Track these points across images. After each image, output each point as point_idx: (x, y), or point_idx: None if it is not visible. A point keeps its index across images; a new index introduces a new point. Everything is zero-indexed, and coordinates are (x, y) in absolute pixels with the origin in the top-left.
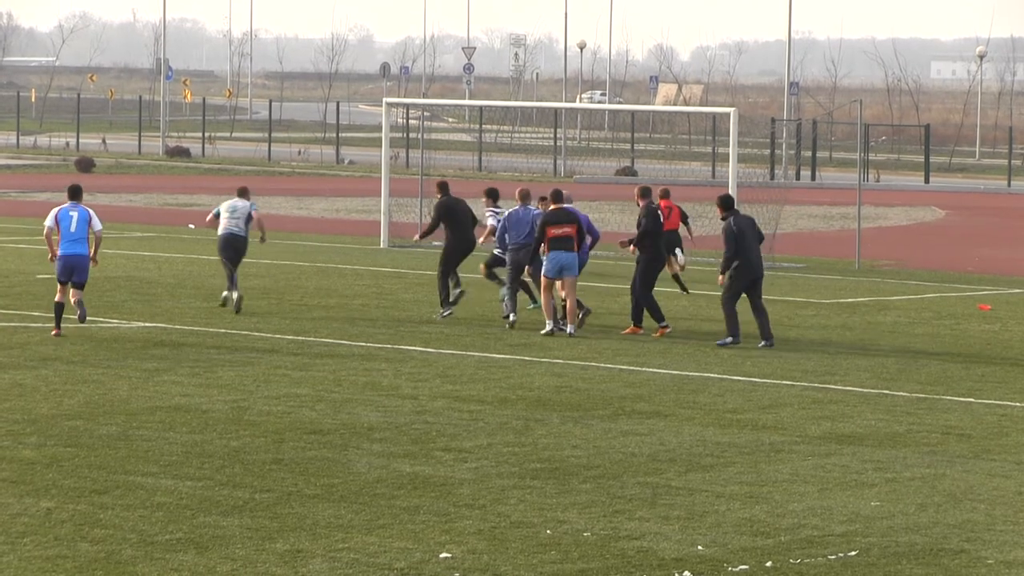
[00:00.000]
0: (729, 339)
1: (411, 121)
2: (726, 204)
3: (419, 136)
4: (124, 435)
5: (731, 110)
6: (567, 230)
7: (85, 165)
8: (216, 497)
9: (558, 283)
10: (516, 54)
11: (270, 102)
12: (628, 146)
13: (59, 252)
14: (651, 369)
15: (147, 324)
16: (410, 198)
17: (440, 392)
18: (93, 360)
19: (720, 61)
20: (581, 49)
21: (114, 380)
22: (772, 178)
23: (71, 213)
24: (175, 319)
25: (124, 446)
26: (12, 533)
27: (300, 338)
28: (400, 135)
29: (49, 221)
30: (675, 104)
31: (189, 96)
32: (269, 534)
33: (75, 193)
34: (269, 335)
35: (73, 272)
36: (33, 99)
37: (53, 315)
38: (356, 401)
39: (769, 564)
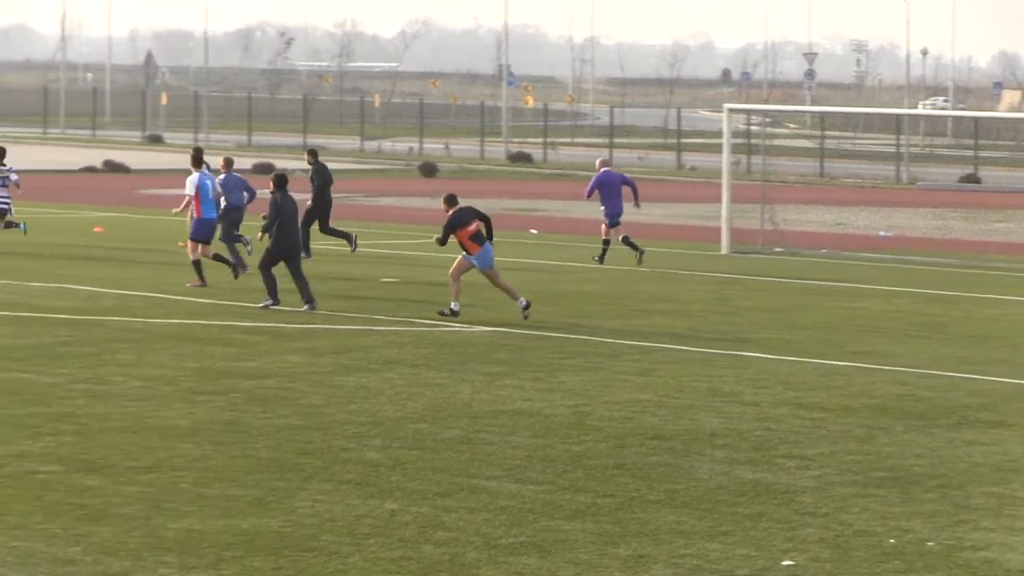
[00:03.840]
0: None
1: (752, 127)
2: None
3: (760, 142)
4: (467, 438)
5: None
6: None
7: (428, 170)
8: (559, 501)
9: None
10: (858, 60)
11: (611, 108)
12: (971, 153)
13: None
14: (995, 378)
15: (489, 328)
16: (751, 204)
17: (782, 399)
18: (436, 364)
19: None
20: (924, 55)
21: (457, 384)
22: None
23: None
24: (517, 323)
25: (467, 449)
26: (357, 534)
27: (641, 343)
28: (741, 141)
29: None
30: (1020, 111)
31: (531, 101)
32: (612, 539)
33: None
34: (610, 340)
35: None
36: (377, 104)
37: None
38: (698, 407)
39: None
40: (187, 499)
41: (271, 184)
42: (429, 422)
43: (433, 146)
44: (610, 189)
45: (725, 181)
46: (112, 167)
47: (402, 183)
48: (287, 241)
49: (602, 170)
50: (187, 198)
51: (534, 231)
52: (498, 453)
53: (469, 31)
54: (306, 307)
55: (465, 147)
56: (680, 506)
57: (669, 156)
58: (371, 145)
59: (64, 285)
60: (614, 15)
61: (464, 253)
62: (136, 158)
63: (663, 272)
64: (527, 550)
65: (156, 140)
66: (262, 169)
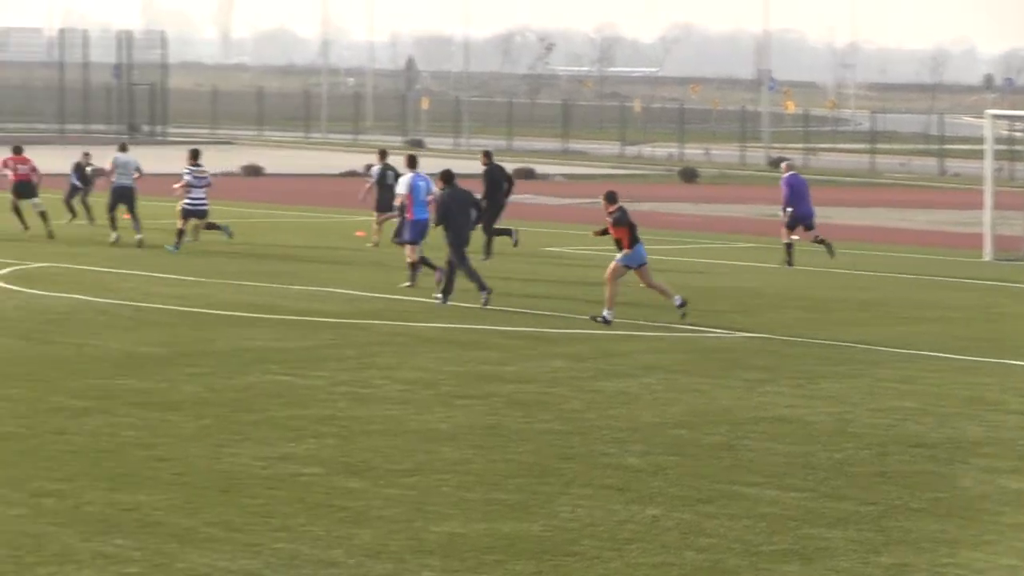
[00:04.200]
0: None
1: (1016, 133)
2: None
3: None
4: (728, 445)
5: None
6: None
7: (688, 175)
8: (820, 509)
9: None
10: None
11: (872, 113)
12: None
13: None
14: None
15: (749, 334)
16: (1015, 211)
17: None
18: (696, 370)
19: None
20: None
21: (717, 390)
22: None
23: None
24: (777, 330)
25: (728, 456)
26: (619, 539)
27: (903, 351)
28: (1004, 147)
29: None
30: None
31: (791, 107)
32: (874, 547)
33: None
34: (872, 347)
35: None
36: (637, 109)
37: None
38: (961, 415)
39: None
40: (448, 503)
41: (439, 180)
42: (689, 428)
43: (693, 151)
44: (800, 192)
45: (987, 188)
46: None
47: (662, 188)
48: (458, 233)
49: (789, 174)
50: (399, 198)
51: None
52: (759, 460)
53: (728, 35)
54: (437, 297)
55: (725, 152)
56: (943, 515)
57: (931, 162)
58: (631, 150)
59: (325, 288)
60: (875, 20)
61: (618, 255)
62: (397, 162)
63: (924, 279)
64: (788, 557)
65: (417, 144)
66: (522, 174)
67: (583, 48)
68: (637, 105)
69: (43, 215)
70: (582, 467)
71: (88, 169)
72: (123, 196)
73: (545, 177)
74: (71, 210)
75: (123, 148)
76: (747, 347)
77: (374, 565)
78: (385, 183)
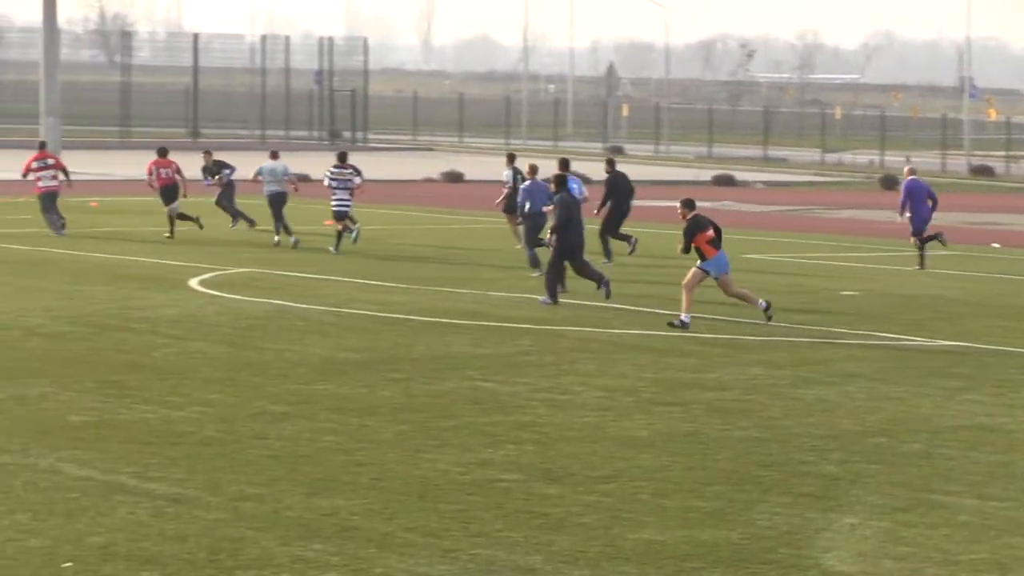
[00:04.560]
0: None
1: None
2: None
3: None
4: (927, 453)
5: None
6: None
7: (890, 183)
8: (1021, 519)
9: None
10: None
11: None
12: None
13: None
14: None
15: (950, 343)
16: None
17: None
18: (895, 377)
19: None
20: None
21: (917, 398)
22: None
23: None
24: (979, 338)
25: (927, 464)
26: (816, 547)
27: None
28: None
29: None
30: None
31: (993, 114)
32: None
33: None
34: None
35: None
36: (838, 116)
37: None
38: None
39: None
40: (646, 510)
41: (553, 184)
42: (888, 436)
43: (894, 159)
44: (918, 197)
45: None
46: None
47: (862, 196)
48: (570, 239)
49: (910, 178)
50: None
51: (996, 245)
52: (958, 468)
53: (930, 42)
54: (602, 289)
55: (926, 160)
56: None
57: None
58: (831, 157)
59: (525, 295)
60: None
61: (699, 262)
62: (597, 169)
63: None
64: (988, 567)
65: (617, 151)
66: (722, 181)
67: (784, 55)
68: (838, 112)
69: (181, 216)
70: (780, 475)
71: (213, 171)
72: (276, 202)
73: (745, 184)
74: (244, 217)
75: (274, 155)
76: (947, 355)
77: (571, 571)
78: (516, 187)
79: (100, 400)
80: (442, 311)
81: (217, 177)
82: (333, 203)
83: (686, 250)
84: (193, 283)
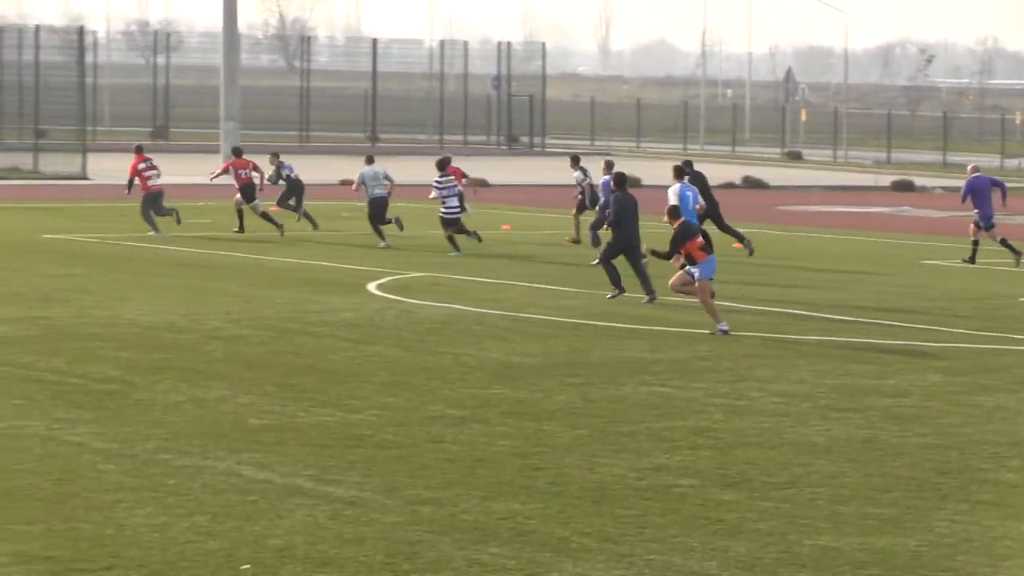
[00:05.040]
0: None
1: None
2: None
3: None
4: None
5: None
6: None
7: None
8: None
9: None
10: None
11: None
12: None
13: None
14: None
15: None
16: None
17: None
18: None
19: None
20: None
21: None
22: None
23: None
24: None
25: None
26: (994, 555)
27: None
28: None
29: None
30: None
31: None
32: None
33: None
34: None
35: None
36: (1018, 122)
37: None
38: None
39: None
40: (823, 516)
41: (612, 183)
42: None
43: None
44: (981, 193)
45: None
46: (751, 183)
47: None
48: (627, 236)
49: (973, 175)
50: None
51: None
52: None
53: None
54: (646, 299)
55: None
56: None
57: None
58: (1011, 163)
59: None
60: None
61: (687, 268)
62: (775, 174)
63: None
64: None
65: (795, 157)
66: (901, 186)
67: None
68: (1018, 117)
69: (265, 215)
70: (958, 482)
71: (280, 172)
72: (378, 207)
73: (924, 189)
74: (309, 218)
75: (370, 160)
76: None
77: None
78: (585, 187)
79: (278, 403)
80: (618, 316)
81: (271, 178)
82: (442, 211)
83: (668, 256)
84: (371, 287)
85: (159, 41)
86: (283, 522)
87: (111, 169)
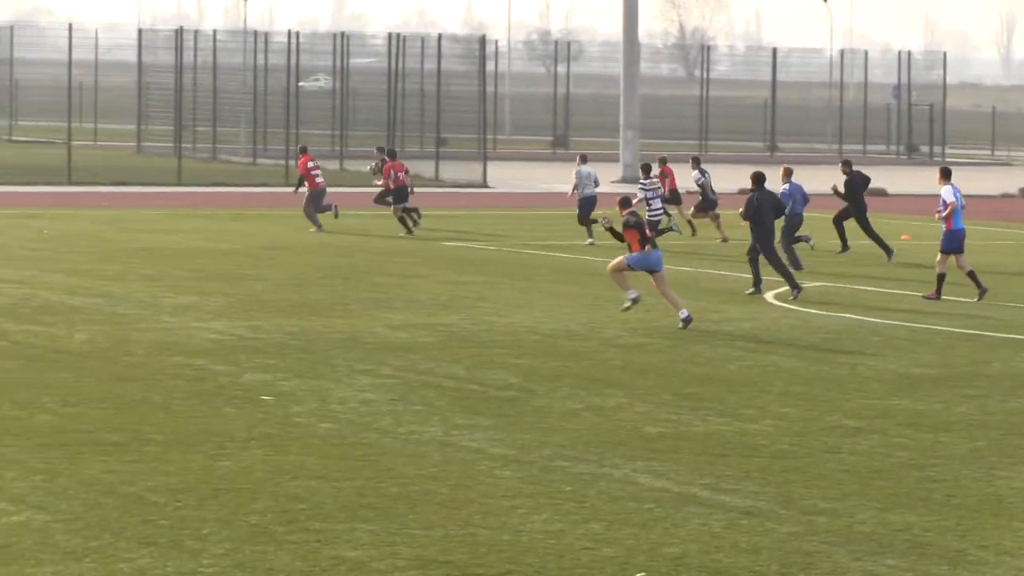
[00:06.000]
0: None
1: None
2: None
3: None
4: None
5: None
6: None
7: None
8: None
9: None
10: None
11: None
12: None
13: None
14: None
15: None
16: None
17: None
18: None
19: None
20: None
21: None
22: None
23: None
24: None
25: None
26: None
27: None
28: None
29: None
30: None
31: None
32: None
33: None
34: None
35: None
36: None
37: None
38: None
39: None
40: None
41: (751, 182)
42: None
43: None
44: None
45: None
46: None
47: None
48: (760, 234)
49: None
50: (947, 208)
51: None
52: None
53: None
54: (793, 292)
55: None
56: None
57: None
58: None
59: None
60: None
61: (627, 254)
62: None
63: None
64: None
65: None
66: None
67: None
68: None
69: (409, 214)
70: None
71: (373, 167)
72: (588, 206)
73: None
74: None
75: (583, 160)
76: None
77: None
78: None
79: (675, 412)
80: (1019, 327)
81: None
82: (648, 213)
83: (619, 239)
84: (768, 297)
85: (560, 50)
86: (678, 531)
87: (512, 178)
